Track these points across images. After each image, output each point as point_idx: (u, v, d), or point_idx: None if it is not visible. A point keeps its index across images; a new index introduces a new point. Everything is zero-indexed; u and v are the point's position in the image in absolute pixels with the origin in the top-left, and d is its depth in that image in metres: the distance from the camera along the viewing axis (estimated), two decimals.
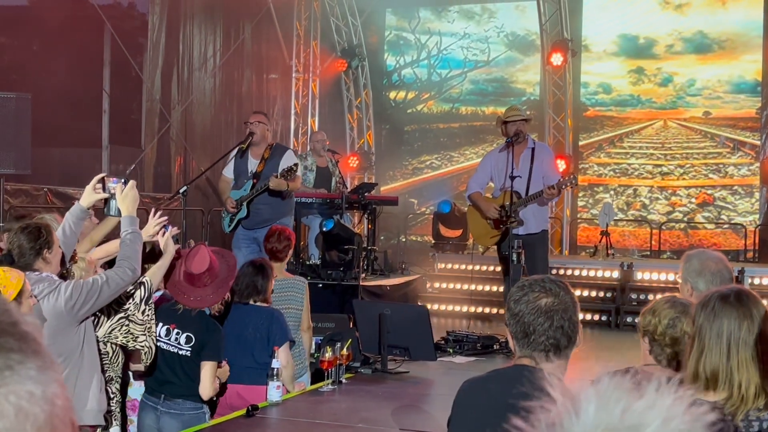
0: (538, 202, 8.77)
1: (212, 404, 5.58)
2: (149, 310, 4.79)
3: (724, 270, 4.29)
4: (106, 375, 4.88)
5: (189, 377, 5.21)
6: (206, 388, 5.21)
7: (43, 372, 1.00)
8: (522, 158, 8.81)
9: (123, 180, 4.78)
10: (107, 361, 4.98)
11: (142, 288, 4.78)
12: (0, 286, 3.71)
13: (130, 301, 4.74)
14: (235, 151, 9.27)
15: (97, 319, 4.73)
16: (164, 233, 5.08)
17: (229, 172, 9.20)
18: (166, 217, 5.14)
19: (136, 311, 4.74)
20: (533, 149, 8.87)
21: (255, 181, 8.92)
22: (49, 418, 0.99)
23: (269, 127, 9.30)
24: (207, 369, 5.20)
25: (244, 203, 8.91)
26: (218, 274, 5.32)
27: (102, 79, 13.58)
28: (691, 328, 3.38)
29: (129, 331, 4.77)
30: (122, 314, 4.75)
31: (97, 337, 4.75)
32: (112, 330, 4.77)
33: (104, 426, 4.65)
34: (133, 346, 4.84)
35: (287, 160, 9.00)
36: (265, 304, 5.98)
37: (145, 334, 4.78)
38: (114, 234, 5.26)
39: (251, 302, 5.90)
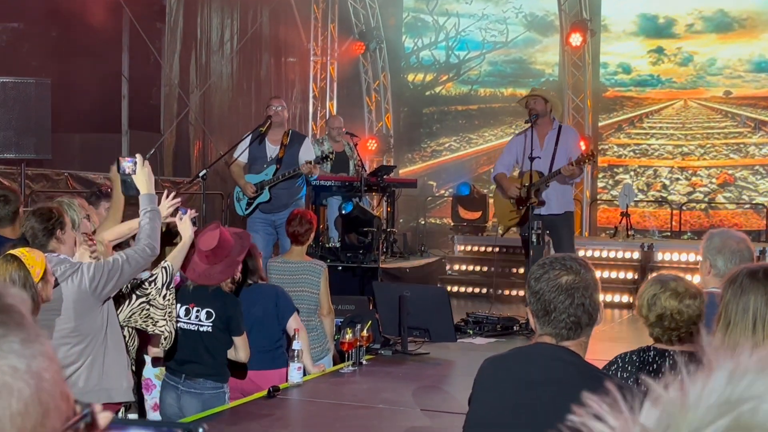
0: (560, 183, 8.70)
1: (242, 374, 5.61)
2: (170, 294, 4.81)
3: (745, 250, 4.26)
4: None
5: (210, 355, 5.24)
6: (243, 354, 5.32)
7: (28, 345, 0.97)
8: (547, 139, 8.78)
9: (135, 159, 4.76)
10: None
11: (164, 272, 4.80)
12: (28, 265, 3.74)
13: (152, 285, 4.76)
14: (249, 137, 9.35)
15: (117, 304, 4.75)
16: (181, 216, 5.09)
17: (243, 157, 9.27)
18: (179, 199, 5.16)
19: (158, 296, 4.76)
20: (559, 130, 8.83)
21: (278, 166, 9.03)
22: (36, 392, 0.96)
23: (288, 113, 9.44)
24: (240, 342, 5.30)
25: (267, 188, 9.01)
26: (230, 253, 5.34)
27: (121, 64, 13.60)
28: (676, 299, 3.38)
29: (149, 315, 4.79)
30: (143, 298, 4.77)
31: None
32: (132, 314, 4.79)
33: (133, 402, 4.68)
34: (153, 331, 4.86)
35: (307, 148, 9.19)
36: (263, 281, 6.00)
37: (165, 319, 4.80)
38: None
39: (250, 283, 5.91)
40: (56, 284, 4.14)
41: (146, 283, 4.76)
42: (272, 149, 9.16)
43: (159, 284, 4.77)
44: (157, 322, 4.80)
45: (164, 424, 1.08)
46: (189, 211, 5.16)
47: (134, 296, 4.76)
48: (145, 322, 4.82)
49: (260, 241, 8.96)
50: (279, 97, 9.86)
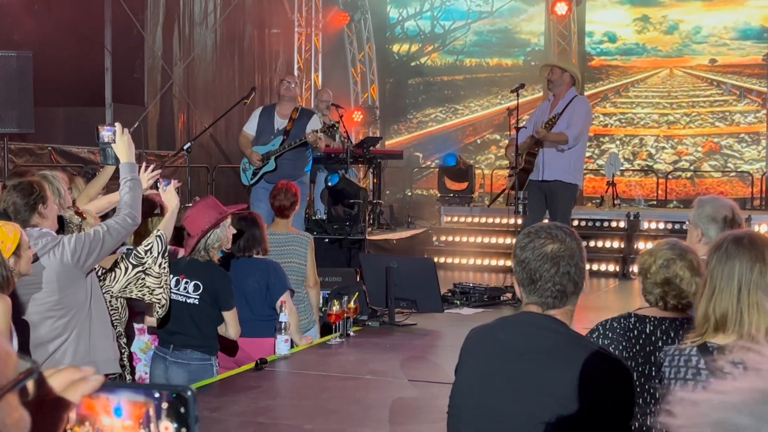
0: (555, 149, 8.65)
1: (233, 350, 5.61)
2: (165, 262, 4.83)
3: (736, 217, 4.28)
4: (116, 330, 4.93)
5: (197, 326, 5.24)
6: (233, 330, 5.32)
7: None
8: (556, 108, 8.81)
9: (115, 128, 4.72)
10: (117, 316, 5.02)
11: (159, 241, 4.82)
12: None
13: (149, 254, 4.76)
14: (259, 110, 9.61)
15: (113, 274, 4.75)
16: (164, 187, 5.08)
17: (251, 129, 9.51)
18: (159, 171, 5.16)
19: (154, 264, 4.78)
20: (571, 101, 8.81)
21: (285, 138, 9.24)
22: None
23: (299, 91, 9.64)
24: (229, 317, 5.30)
25: (273, 157, 9.19)
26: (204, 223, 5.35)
27: (104, 37, 13.48)
28: (691, 271, 3.39)
29: (145, 284, 4.79)
30: (140, 268, 4.78)
31: (112, 292, 4.79)
32: (129, 284, 4.79)
33: (120, 374, 4.69)
34: (149, 300, 4.88)
35: (314, 123, 9.39)
36: (263, 256, 5.97)
37: (162, 287, 4.81)
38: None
39: (254, 254, 5.90)
40: (36, 258, 4.12)
41: (142, 252, 4.77)
42: (280, 122, 9.38)
43: (155, 253, 4.79)
44: (154, 290, 4.82)
45: (153, 386, 1.10)
46: (172, 181, 5.15)
47: (130, 266, 4.76)
48: (140, 291, 4.82)
49: (263, 210, 8.99)
50: (293, 74, 10.11)
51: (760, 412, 0.73)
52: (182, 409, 1.09)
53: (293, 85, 9.70)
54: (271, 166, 9.23)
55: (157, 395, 1.10)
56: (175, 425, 1.10)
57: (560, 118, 8.66)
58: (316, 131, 9.08)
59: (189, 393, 1.10)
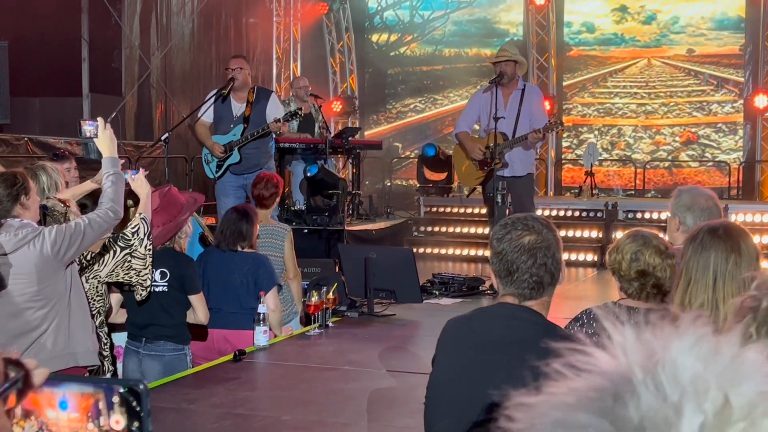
0: (524, 146, 8.72)
1: (203, 335, 5.62)
2: (150, 244, 4.88)
3: (713, 207, 4.30)
4: (98, 319, 4.93)
5: (168, 315, 5.27)
6: (201, 314, 5.39)
7: None
8: (511, 99, 8.76)
9: (97, 123, 4.71)
10: (101, 304, 5.01)
11: (144, 223, 4.89)
12: None
13: (135, 236, 4.80)
14: (213, 95, 9.04)
15: (102, 258, 4.76)
16: (132, 177, 5.07)
17: (208, 116, 8.97)
18: (123, 161, 5.16)
19: (140, 246, 4.83)
20: (523, 91, 8.81)
21: (245, 125, 8.78)
22: None
23: (249, 71, 9.16)
24: (196, 300, 5.38)
25: (236, 148, 8.76)
26: (177, 214, 5.36)
27: (80, 27, 13.38)
28: (660, 256, 3.39)
29: (131, 266, 4.85)
30: (127, 250, 4.84)
31: (100, 276, 4.83)
32: (116, 267, 4.83)
33: (99, 366, 4.68)
34: (137, 281, 4.90)
35: (274, 104, 8.95)
36: (251, 250, 5.97)
37: (147, 268, 4.86)
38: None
39: (238, 249, 5.89)
40: (14, 250, 4.10)
41: (130, 234, 4.79)
42: (238, 107, 8.88)
43: (141, 234, 4.84)
44: (140, 272, 4.88)
45: (104, 380, 1.10)
46: (140, 170, 5.15)
47: (118, 249, 4.79)
48: (127, 274, 4.87)
49: (230, 204, 8.77)
50: (238, 57, 9.53)
51: (598, 409, 0.74)
52: (134, 403, 1.08)
53: (240, 70, 8.82)
54: (236, 158, 8.75)
55: (107, 388, 1.09)
56: (126, 419, 1.09)
57: (521, 112, 8.66)
58: (279, 120, 8.59)
59: (141, 387, 1.09)
